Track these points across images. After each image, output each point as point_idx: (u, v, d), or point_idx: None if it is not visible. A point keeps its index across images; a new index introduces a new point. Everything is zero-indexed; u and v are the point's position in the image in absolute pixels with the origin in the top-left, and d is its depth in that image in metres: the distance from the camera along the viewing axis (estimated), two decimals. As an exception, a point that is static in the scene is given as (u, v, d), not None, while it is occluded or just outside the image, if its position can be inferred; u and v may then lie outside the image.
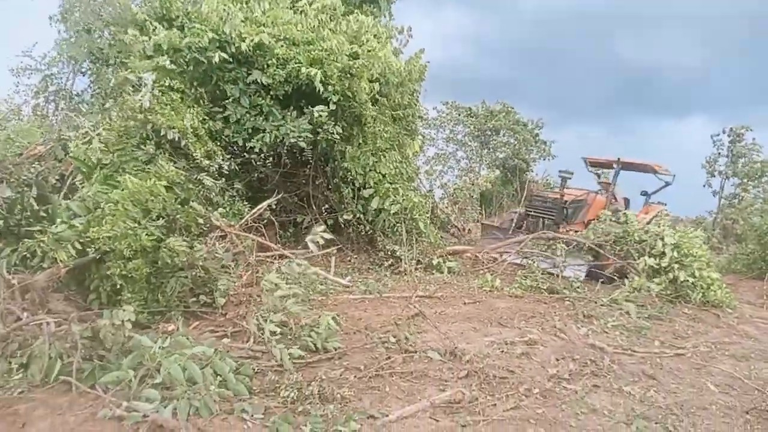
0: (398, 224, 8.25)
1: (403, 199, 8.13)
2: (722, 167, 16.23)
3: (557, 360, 4.65)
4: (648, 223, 8.55)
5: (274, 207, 7.51)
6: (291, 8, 7.87)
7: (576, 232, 9.76)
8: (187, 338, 3.71)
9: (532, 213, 10.66)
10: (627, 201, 11.11)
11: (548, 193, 11.06)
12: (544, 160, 18.24)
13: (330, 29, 7.59)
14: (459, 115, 18.18)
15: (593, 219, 9.84)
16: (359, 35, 7.83)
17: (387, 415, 3.30)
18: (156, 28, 6.70)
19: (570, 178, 10.52)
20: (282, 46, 7.20)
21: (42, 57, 7.69)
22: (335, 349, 4.36)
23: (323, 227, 5.64)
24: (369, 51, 7.60)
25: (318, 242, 5.40)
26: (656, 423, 3.60)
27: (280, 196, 7.67)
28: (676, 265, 7.32)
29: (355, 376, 3.91)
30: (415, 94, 9.21)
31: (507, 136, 17.78)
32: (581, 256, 8.55)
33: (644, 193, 10.96)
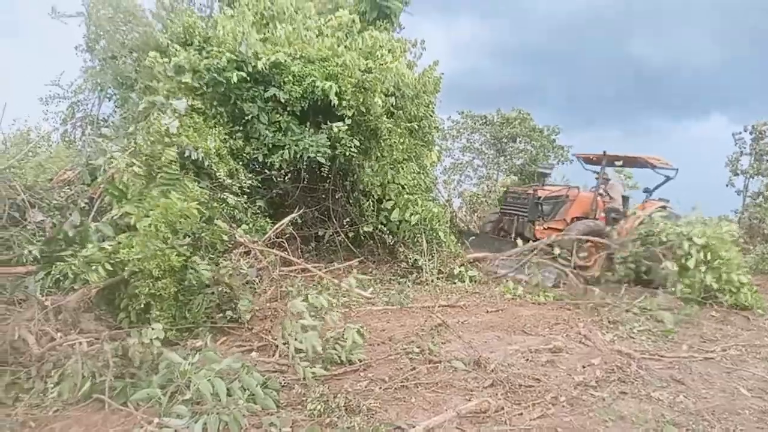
0: (418, 235, 8.29)
1: (423, 210, 8.17)
2: (745, 166, 15.88)
3: (583, 367, 4.62)
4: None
5: (295, 221, 7.62)
6: (315, 28, 8.03)
7: (555, 230, 9.44)
8: (215, 353, 3.78)
9: (506, 210, 10.37)
10: (626, 199, 10.70)
11: (523, 189, 10.63)
12: (563, 165, 18.08)
13: (345, 46, 7.73)
14: (474, 123, 18.13)
15: (578, 216, 9.58)
16: (374, 51, 7.95)
17: (414, 426, 3.31)
18: (177, 50, 6.91)
19: (549, 174, 10.09)
20: (298, 63, 7.36)
21: (69, 85, 7.96)
22: (360, 361, 4.40)
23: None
24: (381, 65, 7.71)
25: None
26: (687, 429, 3.54)
27: (301, 211, 7.78)
28: (704, 268, 7.15)
29: (380, 388, 3.94)
30: (430, 106, 9.26)
31: (524, 143, 17.69)
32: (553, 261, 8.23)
33: (646, 191, 10.54)
